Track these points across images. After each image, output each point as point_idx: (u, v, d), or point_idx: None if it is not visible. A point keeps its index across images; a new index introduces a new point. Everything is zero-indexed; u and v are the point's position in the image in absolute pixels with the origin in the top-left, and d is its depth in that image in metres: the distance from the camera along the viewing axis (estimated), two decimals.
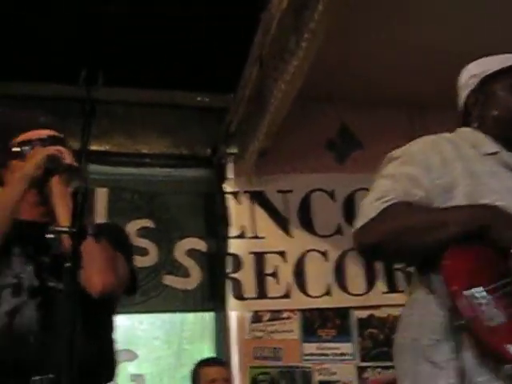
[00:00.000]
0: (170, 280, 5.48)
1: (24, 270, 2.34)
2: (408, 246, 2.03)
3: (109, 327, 2.50)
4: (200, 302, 5.55)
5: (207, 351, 5.50)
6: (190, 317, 5.77)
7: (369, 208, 2.08)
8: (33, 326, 2.23)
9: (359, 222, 2.08)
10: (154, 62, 5.26)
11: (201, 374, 4.77)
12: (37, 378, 2.15)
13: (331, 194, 5.85)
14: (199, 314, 5.65)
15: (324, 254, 5.67)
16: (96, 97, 1.83)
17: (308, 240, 5.71)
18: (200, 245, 5.65)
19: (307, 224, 5.75)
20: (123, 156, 5.66)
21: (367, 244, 2.09)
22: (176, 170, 5.85)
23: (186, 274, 5.54)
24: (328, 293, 5.58)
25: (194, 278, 5.55)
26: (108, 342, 2.45)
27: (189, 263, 5.56)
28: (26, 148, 2.48)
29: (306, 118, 5.65)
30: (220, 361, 5.02)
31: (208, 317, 5.65)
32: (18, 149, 2.50)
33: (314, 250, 5.67)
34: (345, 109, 5.79)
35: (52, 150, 2.38)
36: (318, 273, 5.62)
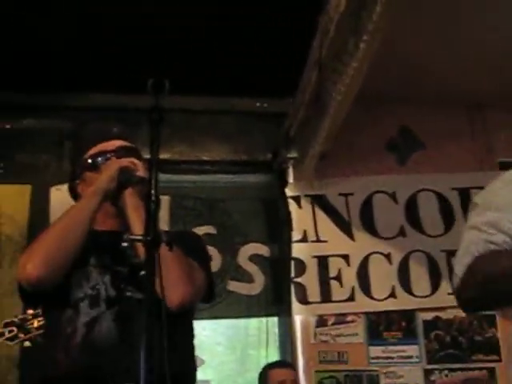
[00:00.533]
0: (234, 286, 5.50)
1: (101, 281, 2.36)
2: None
3: (187, 334, 2.51)
4: (264, 307, 5.57)
5: (271, 356, 5.51)
6: (254, 322, 5.80)
7: (458, 265, 2.08)
8: (111, 336, 2.25)
9: (454, 282, 2.09)
10: (212, 69, 5.30)
11: (269, 376, 4.81)
12: None
13: (393, 196, 5.80)
14: (263, 319, 5.66)
15: (387, 256, 5.62)
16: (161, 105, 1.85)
17: (371, 242, 5.67)
18: (263, 250, 5.67)
19: (369, 226, 5.71)
20: (184, 164, 5.70)
21: (466, 299, 2.09)
22: (237, 175, 5.88)
23: (249, 279, 5.57)
24: (392, 295, 5.53)
25: (258, 283, 5.57)
26: (187, 349, 2.46)
27: (252, 268, 5.59)
28: (100, 160, 2.52)
29: (365, 120, 5.63)
30: (288, 363, 5.07)
31: (272, 322, 5.65)
32: (92, 161, 2.54)
33: (377, 252, 5.63)
34: (405, 109, 5.75)
35: (125, 162, 2.41)
36: (382, 275, 5.58)
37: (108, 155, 2.52)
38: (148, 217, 1.64)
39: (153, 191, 1.67)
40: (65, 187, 5.41)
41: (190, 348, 2.50)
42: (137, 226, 2.21)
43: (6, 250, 5.45)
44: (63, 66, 5.22)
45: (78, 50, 5.08)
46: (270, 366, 4.89)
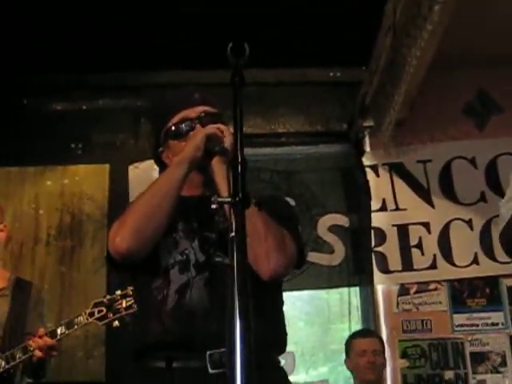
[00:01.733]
0: (314, 257, 5.50)
1: (189, 246, 2.35)
2: None
3: (277, 300, 2.49)
4: (345, 277, 5.56)
5: (354, 326, 5.49)
6: (335, 293, 5.78)
7: (503, 210, 2.06)
8: (202, 301, 2.25)
9: (499, 227, 2.07)
10: (285, 41, 5.27)
11: (352, 345, 4.82)
12: (213, 351, 2.17)
13: (472, 161, 5.70)
14: (345, 290, 5.64)
15: (468, 222, 5.54)
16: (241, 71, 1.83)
17: (451, 209, 5.59)
18: (342, 220, 5.66)
19: (449, 193, 5.63)
20: (260, 137, 5.69)
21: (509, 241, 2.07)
22: (313, 147, 5.85)
23: (330, 250, 5.57)
24: (475, 262, 5.45)
25: (338, 253, 5.57)
26: (277, 315, 2.44)
27: (332, 239, 5.58)
28: (183, 127, 2.50)
29: (442, 85, 5.53)
30: (372, 332, 5.05)
31: (354, 292, 5.63)
32: (176, 128, 2.53)
33: (457, 218, 5.55)
34: (482, 72, 5.62)
35: (212, 129, 2.38)
36: (464, 242, 5.50)
37: (192, 122, 2.50)
38: (235, 178, 1.63)
39: (239, 153, 1.66)
40: (142, 165, 5.55)
41: (281, 314, 2.47)
42: (225, 192, 2.19)
43: (88, 228, 5.55)
44: (138, 44, 5.27)
45: (152, 26, 5.12)
46: (354, 335, 4.91)
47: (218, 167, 2.32)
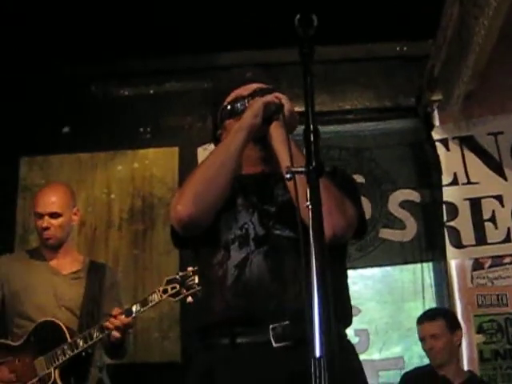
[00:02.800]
0: (386, 233, 5.47)
1: (249, 220, 2.35)
2: None
3: (343, 272, 2.48)
4: (418, 253, 5.51)
5: (428, 304, 5.44)
6: (409, 270, 5.74)
7: None
8: (263, 274, 2.24)
9: None
10: (349, 16, 5.22)
11: (417, 331, 4.76)
12: (275, 325, 2.17)
13: None
14: (418, 266, 5.58)
15: None
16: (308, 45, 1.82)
17: None
18: (413, 195, 5.60)
19: None
20: (327, 114, 5.65)
21: None
22: (381, 122, 5.79)
23: (401, 226, 5.52)
24: None
25: (410, 229, 5.52)
26: (342, 288, 2.42)
27: (403, 215, 5.53)
28: (238, 105, 2.50)
29: None
30: (433, 315, 4.79)
31: (427, 267, 5.58)
32: (231, 107, 2.54)
33: None
34: None
35: (269, 97, 2.39)
36: None
37: (246, 99, 2.49)
38: (308, 146, 1.62)
39: (311, 121, 1.65)
40: (211, 146, 5.54)
41: (346, 286, 2.46)
42: (284, 160, 2.19)
43: (159, 211, 5.62)
44: (203, 25, 5.28)
45: (216, 8, 5.12)
46: (417, 320, 4.79)
47: (277, 132, 2.32)
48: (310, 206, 1.60)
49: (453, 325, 4.71)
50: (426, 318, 4.75)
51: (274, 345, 2.17)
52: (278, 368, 2.13)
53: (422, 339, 4.69)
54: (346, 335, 2.39)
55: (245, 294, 2.24)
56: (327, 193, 2.19)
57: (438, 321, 4.67)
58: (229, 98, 2.57)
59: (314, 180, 1.56)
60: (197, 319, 2.43)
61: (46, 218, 4.04)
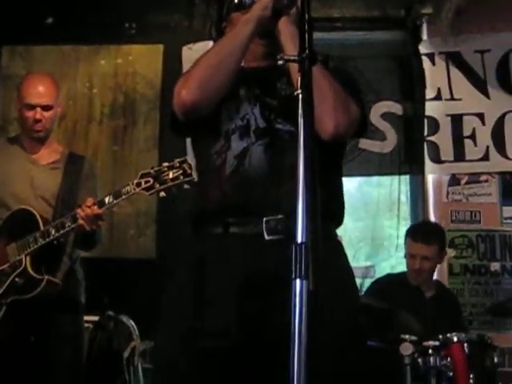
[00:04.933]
0: (366, 144, 5.46)
1: (250, 112, 2.35)
2: None
3: (337, 171, 2.47)
4: (396, 165, 5.53)
5: (402, 215, 5.51)
6: (385, 181, 5.79)
7: None
8: (262, 167, 2.26)
9: None
10: None
11: (407, 242, 4.72)
12: (270, 217, 2.19)
13: None
14: (395, 178, 5.62)
15: None
16: None
17: (507, 101, 5.49)
18: (395, 108, 5.59)
19: (506, 85, 5.51)
20: (314, 21, 5.57)
21: None
22: (368, 33, 5.71)
23: (382, 137, 5.52)
24: None
25: (390, 141, 5.53)
26: (336, 187, 2.43)
27: (384, 127, 5.52)
28: None
29: None
30: (426, 236, 4.67)
31: (404, 180, 5.62)
32: (238, 0, 2.49)
33: None
34: None
35: None
36: None
37: None
38: (302, 35, 1.61)
39: (306, 10, 1.64)
40: (196, 46, 5.53)
41: (341, 183, 2.47)
42: (292, 51, 2.14)
43: (141, 108, 5.59)
44: None
45: None
46: (408, 232, 4.76)
47: (286, 26, 2.27)
48: (300, 94, 1.60)
49: (442, 247, 4.74)
50: (421, 237, 4.64)
51: (267, 237, 2.19)
52: (268, 260, 2.15)
53: (411, 255, 4.64)
54: (335, 234, 2.40)
55: (242, 184, 2.26)
56: (330, 88, 2.20)
57: (433, 245, 4.64)
58: None
59: (307, 68, 1.54)
60: (192, 207, 2.43)
61: (39, 109, 3.97)
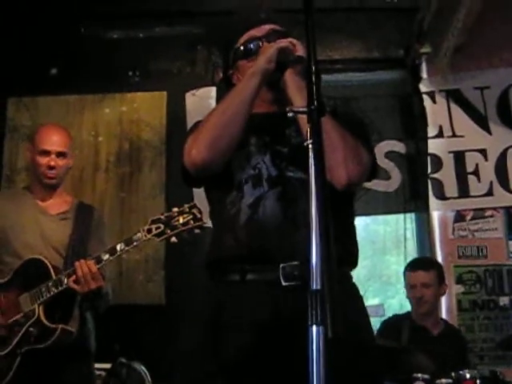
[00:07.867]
0: (371, 183, 5.47)
1: (261, 160, 2.38)
2: None
3: (351, 214, 2.51)
4: (401, 203, 5.57)
5: (409, 253, 5.51)
6: (391, 220, 5.80)
7: None
8: (276, 215, 2.28)
9: None
10: None
11: (405, 277, 4.83)
12: (285, 264, 2.21)
13: None
14: (401, 216, 5.65)
15: None
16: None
17: (508, 136, 5.54)
18: (398, 146, 5.64)
19: (507, 120, 5.57)
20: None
21: None
22: (369, 73, 5.80)
23: (386, 176, 5.56)
24: None
25: (395, 180, 5.57)
26: (350, 230, 2.46)
27: (388, 165, 5.56)
28: (252, 46, 2.51)
29: (502, 10, 5.39)
30: (425, 263, 4.93)
31: (410, 218, 5.64)
32: (244, 48, 2.54)
33: None
34: None
35: (284, 42, 2.38)
36: None
37: (259, 40, 2.50)
38: (310, 87, 1.64)
39: (313, 62, 1.67)
40: (199, 92, 5.59)
41: (354, 228, 2.50)
42: (300, 104, 2.12)
43: (146, 155, 5.64)
44: None
45: None
46: (407, 267, 4.88)
47: (292, 79, 2.32)
48: (310, 146, 1.63)
49: (441, 277, 4.81)
50: (420, 266, 4.81)
51: (283, 283, 2.21)
52: (285, 306, 2.19)
53: (411, 286, 4.74)
54: (351, 277, 2.43)
55: (257, 232, 2.28)
56: (340, 138, 2.23)
57: (431, 271, 4.75)
58: (242, 39, 2.57)
59: (316, 120, 1.57)
60: (207, 255, 2.46)
61: (53, 156, 3.99)
